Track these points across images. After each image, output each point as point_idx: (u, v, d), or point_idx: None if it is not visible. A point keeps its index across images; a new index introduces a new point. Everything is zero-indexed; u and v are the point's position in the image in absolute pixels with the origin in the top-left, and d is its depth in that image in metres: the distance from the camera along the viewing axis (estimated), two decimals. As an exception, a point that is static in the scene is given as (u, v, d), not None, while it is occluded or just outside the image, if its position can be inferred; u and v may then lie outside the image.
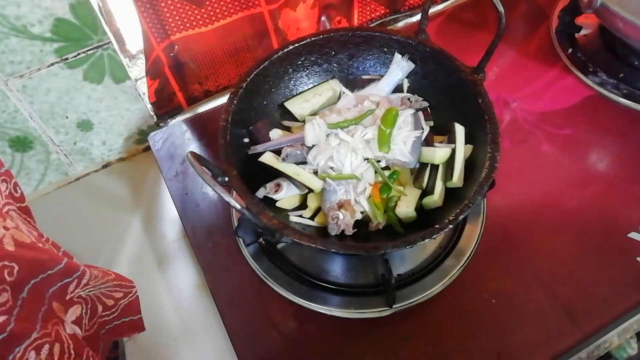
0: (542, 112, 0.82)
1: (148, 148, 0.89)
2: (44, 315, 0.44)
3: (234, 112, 0.62)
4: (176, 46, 0.76)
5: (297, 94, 0.72)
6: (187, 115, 0.86)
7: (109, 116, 0.84)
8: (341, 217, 0.59)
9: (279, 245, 0.68)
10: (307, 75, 0.72)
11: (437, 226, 0.53)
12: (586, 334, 0.61)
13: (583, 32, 0.91)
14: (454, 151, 0.62)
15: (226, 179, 0.56)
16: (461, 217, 0.54)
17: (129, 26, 0.71)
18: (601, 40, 0.89)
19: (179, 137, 0.83)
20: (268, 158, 0.64)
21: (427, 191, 0.62)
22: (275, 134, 0.67)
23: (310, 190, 0.63)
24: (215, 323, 0.70)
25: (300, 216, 0.64)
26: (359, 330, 0.63)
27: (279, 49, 0.68)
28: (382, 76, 0.72)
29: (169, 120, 0.85)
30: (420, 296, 0.63)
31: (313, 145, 0.64)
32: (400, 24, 0.98)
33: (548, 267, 0.66)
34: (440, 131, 0.67)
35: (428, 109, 0.68)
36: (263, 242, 0.68)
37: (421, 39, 0.68)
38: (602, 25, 0.89)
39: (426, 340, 0.61)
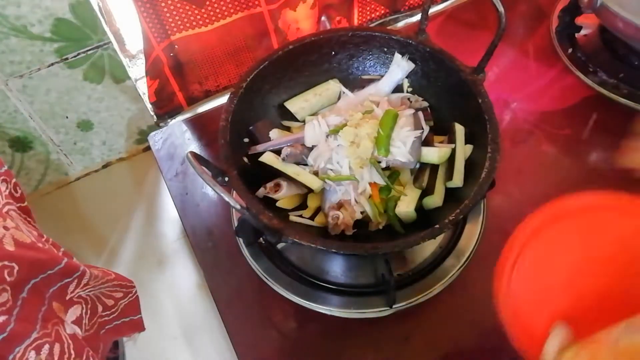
0: (542, 112, 0.82)
1: (148, 148, 0.89)
2: (44, 315, 0.44)
3: (234, 112, 0.62)
4: (176, 46, 0.76)
5: (297, 94, 0.72)
6: (187, 115, 0.86)
7: (109, 116, 0.84)
8: (341, 217, 0.59)
9: (279, 245, 0.68)
10: (307, 76, 0.72)
11: (437, 226, 0.53)
12: (586, 334, 0.61)
13: (583, 32, 0.91)
14: (454, 151, 0.62)
15: (226, 179, 0.56)
16: (461, 217, 0.54)
17: (129, 26, 0.71)
18: (601, 40, 0.89)
19: (179, 137, 0.83)
20: (268, 158, 0.64)
21: (427, 191, 0.61)
22: (275, 134, 0.67)
23: (310, 190, 0.63)
24: (215, 323, 0.70)
25: (300, 216, 0.64)
26: (359, 330, 0.63)
27: (279, 49, 0.68)
28: (382, 76, 0.72)
29: (169, 120, 0.85)
30: (420, 296, 0.63)
31: (313, 146, 0.64)
32: (400, 24, 0.98)
33: (548, 267, 0.66)
34: (440, 131, 0.67)
35: (428, 109, 0.68)
36: (263, 242, 0.68)
37: (421, 39, 0.68)
38: (602, 25, 0.89)
39: (426, 340, 0.61)
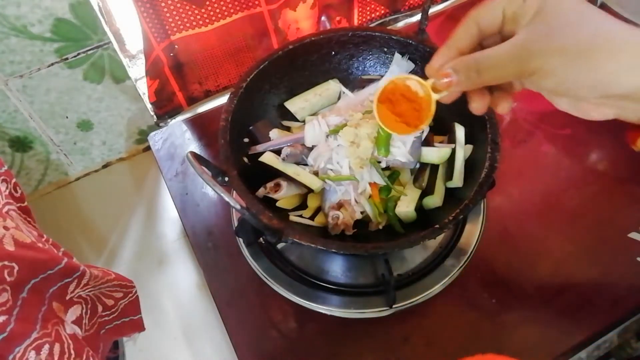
0: (542, 112, 0.82)
1: (148, 148, 0.89)
2: (44, 315, 0.44)
3: (234, 112, 0.62)
4: (176, 46, 0.76)
5: (297, 94, 0.72)
6: (187, 115, 0.86)
7: (109, 116, 0.84)
8: (341, 217, 0.59)
9: (279, 245, 0.68)
10: (307, 76, 0.72)
11: (437, 226, 0.53)
12: (586, 334, 0.61)
13: (583, 32, 0.91)
14: (454, 151, 0.62)
15: (226, 179, 0.56)
16: (461, 217, 0.54)
17: (129, 26, 0.71)
18: (601, 40, 0.89)
19: (179, 137, 0.83)
20: (268, 158, 0.64)
21: (427, 191, 0.61)
22: (275, 134, 0.67)
23: (310, 190, 0.63)
24: (215, 323, 0.70)
25: (300, 216, 0.64)
26: (359, 330, 0.63)
27: (279, 49, 0.68)
28: (382, 76, 0.72)
29: (169, 120, 0.85)
30: (420, 296, 0.63)
31: (313, 146, 0.64)
32: (400, 24, 0.98)
33: (548, 267, 0.66)
34: (440, 131, 0.67)
35: (428, 109, 0.68)
36: (263, 242, 0.68)
37: (421, 39, 0.68)
38: (602, 25, 0.89)
39: (426, 340, 0.61)
